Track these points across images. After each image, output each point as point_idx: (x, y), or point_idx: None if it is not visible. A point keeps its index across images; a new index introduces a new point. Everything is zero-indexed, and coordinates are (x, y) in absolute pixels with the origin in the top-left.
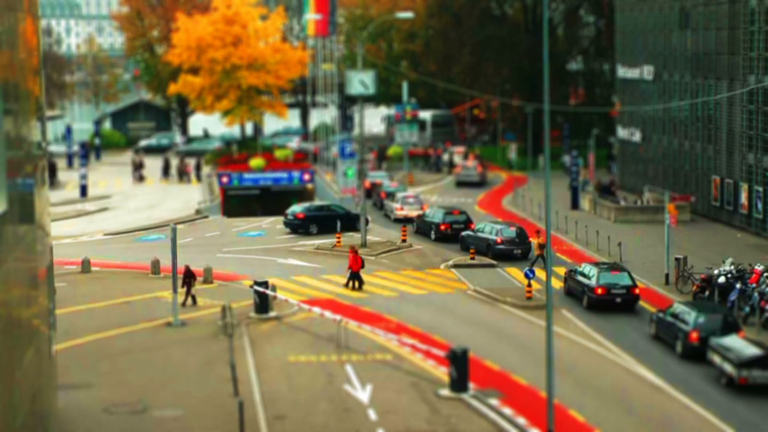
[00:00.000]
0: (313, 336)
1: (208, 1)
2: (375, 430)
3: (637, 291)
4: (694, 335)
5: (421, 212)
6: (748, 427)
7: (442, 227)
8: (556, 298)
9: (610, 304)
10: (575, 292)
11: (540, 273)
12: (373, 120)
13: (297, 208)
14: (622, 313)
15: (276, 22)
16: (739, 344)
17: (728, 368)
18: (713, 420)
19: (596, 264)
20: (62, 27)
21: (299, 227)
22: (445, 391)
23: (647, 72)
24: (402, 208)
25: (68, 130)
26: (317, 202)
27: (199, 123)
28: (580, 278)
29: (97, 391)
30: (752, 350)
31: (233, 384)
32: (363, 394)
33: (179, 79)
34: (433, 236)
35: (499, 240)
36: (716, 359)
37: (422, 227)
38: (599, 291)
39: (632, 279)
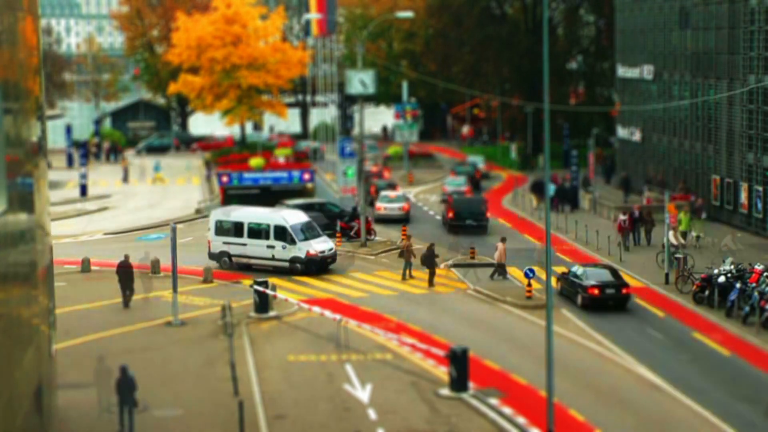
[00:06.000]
0: (312, 335)
1: (207, 0)
2: (375, 429)
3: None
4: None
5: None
6: (748, 427)
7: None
8: (555, 298)
9: None
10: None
11: (540, 272)
12: (372, 119)
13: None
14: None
15: (276, 22)
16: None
17: None
18: (713, 420)
19: None
20: (62, 26)
21: None
22: (445, 391)
23: (647, 71)
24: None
25: (68, 130)
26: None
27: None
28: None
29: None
30: None
31: (233, 384)
32: (363, 394)
33: (179, 78)
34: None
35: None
36: None
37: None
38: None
39: None
